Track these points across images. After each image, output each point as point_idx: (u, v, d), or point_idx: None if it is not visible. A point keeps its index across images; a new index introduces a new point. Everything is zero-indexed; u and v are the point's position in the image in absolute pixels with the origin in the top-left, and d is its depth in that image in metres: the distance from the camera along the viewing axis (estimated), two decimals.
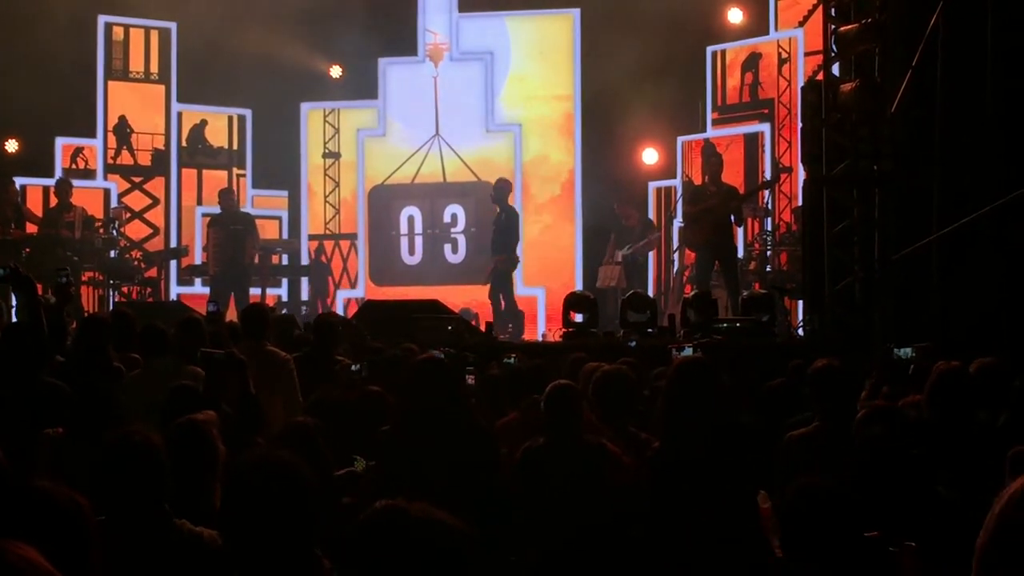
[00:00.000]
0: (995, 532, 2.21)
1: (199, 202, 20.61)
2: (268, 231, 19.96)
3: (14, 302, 13.63)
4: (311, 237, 21.42)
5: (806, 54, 18.23)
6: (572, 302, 13.86)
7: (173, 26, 20.48)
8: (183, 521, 4.27)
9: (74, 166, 19.81)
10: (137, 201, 20.24)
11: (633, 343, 12.76)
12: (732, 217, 16.17)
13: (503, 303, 17.15)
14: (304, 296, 20.77)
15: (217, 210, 18.37)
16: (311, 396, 7.83)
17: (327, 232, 21.45)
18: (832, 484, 3.89)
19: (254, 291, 17.80)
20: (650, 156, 19.95)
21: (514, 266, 17.86)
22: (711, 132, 19.52)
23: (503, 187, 18.21)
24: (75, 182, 17.93)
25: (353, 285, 21.15)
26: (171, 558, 4.10)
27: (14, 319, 10.01)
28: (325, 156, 21.52)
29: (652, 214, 19.77)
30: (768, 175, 18.30)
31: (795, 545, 3.84)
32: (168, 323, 8.45)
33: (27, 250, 16.01)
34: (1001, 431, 6.18)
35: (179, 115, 20.73)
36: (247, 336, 8.73)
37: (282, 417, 7.27)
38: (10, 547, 2.17)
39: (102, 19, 20.15)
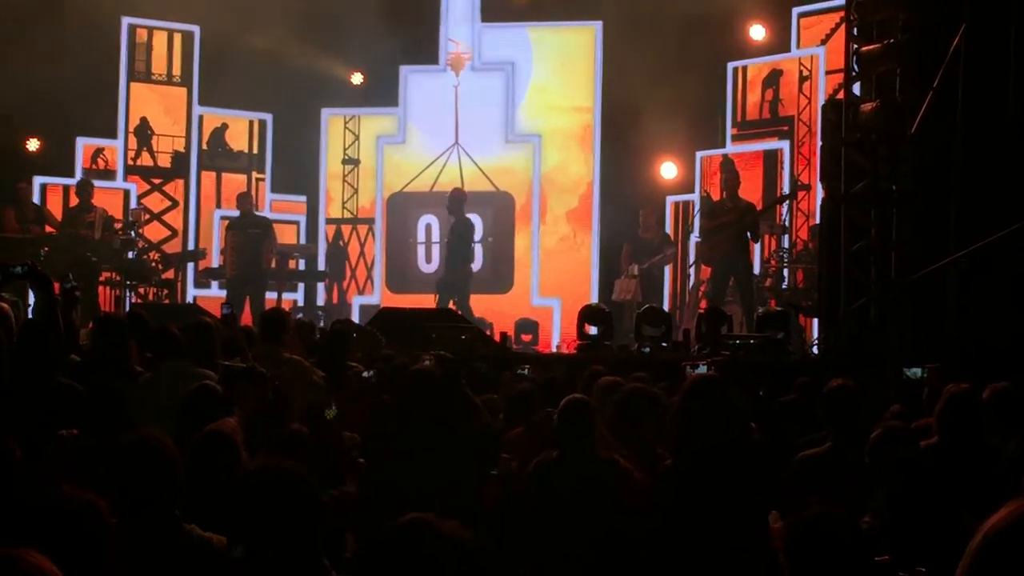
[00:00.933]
0: (971, 566, 2.22)
1: (218, 205, 20.66)
2: (286, 236, 19.99)
3: (31, 300, 13.74)
4: (329, 221, 21.48)
5: (827, 72, 18.21)
6: (587, 315, 13.87)
7: (196, 29, 20.55)
8: (192, 526, 4.28)
9: (94, 166, 19.88)
10: (156, 203, 20.29)
11: (647, 349, 12.79)
12: (749, 233, 16.17)
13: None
14: (320, 301, 20.80)
15: (235, 213, 18.42)
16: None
17: (345, 216, 21.51)
18: (839, 513, 3.86)
19: (270, 295, 17.83)
20: (669, 170, 19.95)
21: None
22: (730, 148, 19.50)
23: (460, 198, 18.21)
24: (95, 183, 18.01)
25: (369, 270, 21.19)
26: (179, 562, 4.12)
27: (30, 317, 10.03)
28: (344, 162, 21.55)
29: (669, 228, 19.76)
30: (786, 192, 18.29)
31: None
32: (180, 326, 8.46)
33: (46, 249, 16.08)
34: (1011, 456, 6.17)
35: (200, 118, 20.79)
36: (264, 341, 8.75)
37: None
38: (23, 555, 2.19)
39: (125, 21, 20.21)
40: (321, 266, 20.78)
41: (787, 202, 17.92)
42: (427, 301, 17.43)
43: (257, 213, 18.78)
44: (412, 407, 5.84)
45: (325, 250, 21.28)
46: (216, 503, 4.43)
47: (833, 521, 3.82)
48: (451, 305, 16.99)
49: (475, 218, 20.64)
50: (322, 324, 16.31)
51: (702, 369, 9.04)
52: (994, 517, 2.20)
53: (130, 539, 3.98)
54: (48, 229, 17.10)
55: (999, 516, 2.20)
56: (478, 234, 19.46)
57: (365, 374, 8.31)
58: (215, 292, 19.30)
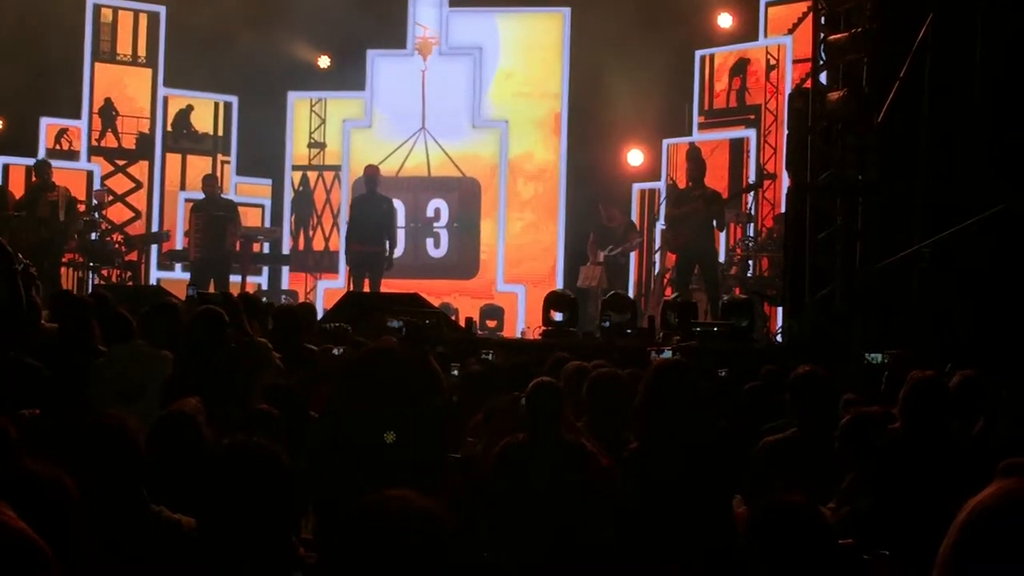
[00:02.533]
0: (957, 542, 2.23)
1: (182, 187, 20.56)
2: (250, 219, 19.91)
3: None
4: (295, 168, 21.46)
5: (794, 61, 18.25)
6: (552, 301, 13.87)
7: (162, 10, 20.43)
8: (160, 508, 4.25)
9: (58, 147, 19.75)
10: (120, 184, 20.17)
11: (607, 323, 12.80)
12: (714, 221, 16.20)
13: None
14: (285, 285, 20.74)
15: (200, 195, 18.31)
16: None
17: (311, 164, 21.46)
18: (798, 501, 3.86)
19: (235, 279, 17.75)
20: (635, 157, 19.95)
21: None
22: (697, 136, 19.53)
23: (375, 174, 18.08)
24: (59, 163, 17.88)
25: (335, 216, 21.15)
26: (147, 544, 4.08)
27: None
28: (310, 146, 21.48)
29: (635, 216, 19.78)
30: (752, 180, 18.33)
31: (761, 565, 3.81)
32: (143, 307, 8.40)
33: (6, 234, 15.95)
34: (976, 440, 6.21)
35: (165, 99, 20.68)
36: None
37: None
38: None
39: (90, 0, 20.07)
40: (286, 249, 20.72)
41: (753, 191, 17.95)
42: (392, 286, 17.38)
43: (223, 196, 18.67)
44: (373, 380, 5.79)
45: (290, 230, 21.30)
46: (179, 483, 4.41)
47: (792, 509, 3.81)
48: (366, 284, 17.02)
49: (441, 203, 20.65)
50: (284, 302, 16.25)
51: (667, 355, 9.06)
52: (980, 495, 2.21)
53: (97, 522, 3.95)
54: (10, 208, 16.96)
55: (985, 494, 2.21)
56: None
57: (335, 351, 8.27)
58: (179, 275, 19.21)
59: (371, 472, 5.20)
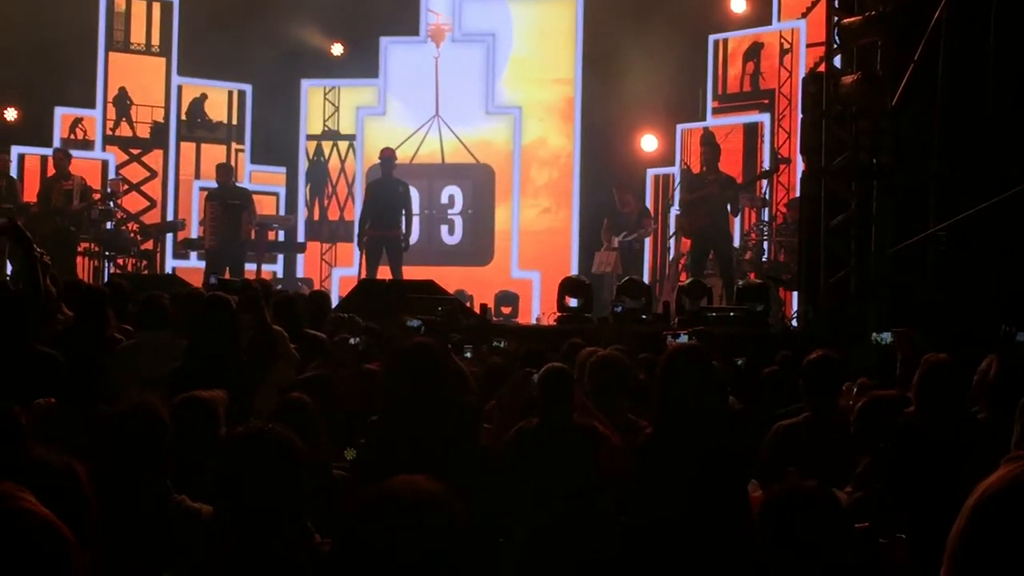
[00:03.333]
0: (967, 524, 2.23)
1: (197, 176, 20.59)
2: (265, 207, 19.91)
3: (9, 269, 13.68)
4: (309, 138, 21.47)
5: (808, 45, 18.19)
6: (567, 287, 13.86)
7: None
8: (182, 496, 4.26)
9: (73, 136, 19.78)
10: (135, 173, 20.20)
11: (619, 308, 12.77)
12: (729, 206, 16.17)
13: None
14: (300, 273, 20.77)
15: (215, 184, 18.29)
16: (305, 371, 7.81)
17: (325, 131, 21.49)
18: (813, 487, 3.86)
19: (249, 267, 17.77)
20: (649, 143, 19.91)
21: None
22: (711, 121, 19.48)
23: (392, 157, 18.05)
24: (73, 152, 17.90)
25: (350, 186, 21.19)
26: (169, 532, 4.10)
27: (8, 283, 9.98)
28: (322, 136, 21.50)
29: (649, 201, 19.75)
30: (767, 165, 18.30)
31: (777, 551, 3.81)
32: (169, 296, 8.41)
33: (21, 220, 15.95)
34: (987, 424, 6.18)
35: (179, 88, 20.69)
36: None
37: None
38: (11, 495, 2.17)
39: None
40: (301, 238, 20.74)
41: (768, 178, 17.91)
42: (406, 272, 17.37)
43: (237, 184, 18.67)
44: (411, 379, 5.81)
45: (305, 200, 21.36)
46: (195, 468, 4.42)
47: (807, 494, 3.81)
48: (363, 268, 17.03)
49: (455, 189, 20.64)
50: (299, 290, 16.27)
51: (683, 339, 9.05)
52: (991, 477, 2.21)
53: (121, 509, 3.96)
54: (26, 198, 17.00)
55: (996, 476, 2.21)
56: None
57: (352, 341, 8.26)
58: (194, 263, 19.24)
59: (413, 467, 5.22)
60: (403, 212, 17.44)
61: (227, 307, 6.81)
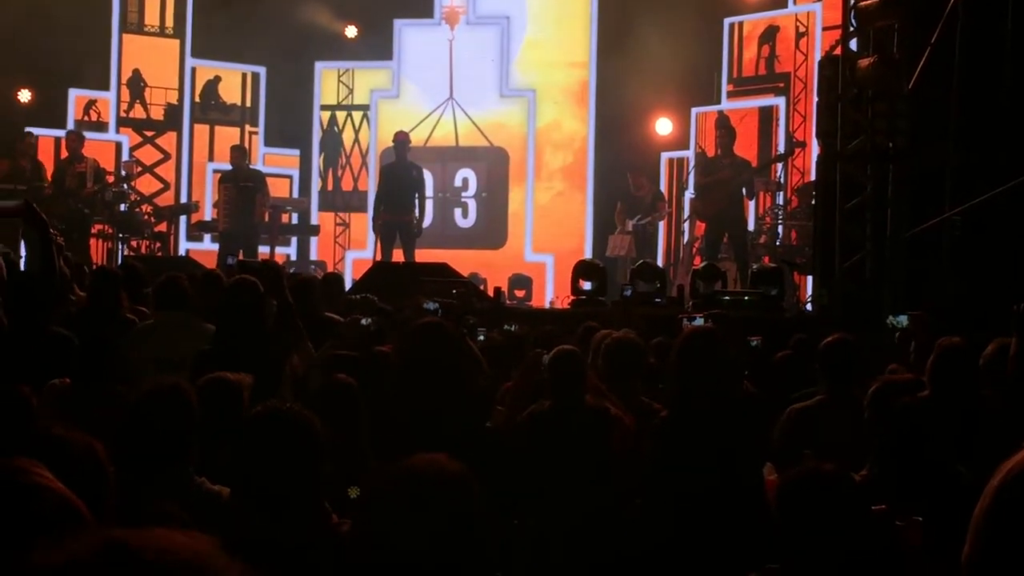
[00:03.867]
0: (992, 504, 2.21)
1: (211, 158, 20.58)
2: (279, 189, 19.93)
3: (23, 251, 13.71)
4: (323, 108, 21.47)
5: (824, 28, 18.13)
6: (581, 270, 13.86)
7: None
8: (202, 479, 4.26)
9: (87, 118, 19.78)
10: (148, 155, 20.21)
11: (628, 292, 12.74)
12: (744, 190, 16.14)
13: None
14: (313, 255, 20.77)
15: (228, 167, 18.29)
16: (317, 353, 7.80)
17: (340, 104, 21.52)
18: (830, 469, 3.85)
19: (263, 249, 17.79)
20: (664, 126, 19.86)
21: None
22: (726, 104, 19.43)
23: (406, 140, 18.02)
24: (87, 134, 17.92)
25: (364, 156, 21.21)
26: (189, 514, 4.09)
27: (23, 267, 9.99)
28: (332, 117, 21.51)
29: (664, 185, 19.71)
30: (782, 149, 18.26)
31: (793, 534, 3.80)
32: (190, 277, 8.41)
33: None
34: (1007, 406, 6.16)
35: (193, 70, 20.68)
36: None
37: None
38: (27, 469, 2.16)
39: None
40: (314, 220, 20.75)
41: (783, 161, 17.87)
42: (420, 255, 17.37)
43: (251, 167, 18.67)
44: (424, 359, 5.81)
45: (318, 170, 21.40)
46: (217, 451, 4.41)
47: (824, 477, 3.80)
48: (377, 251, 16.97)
49: (469, 172, 20.63)
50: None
51: (698, 322, 9.03)
52: (1014, 458, 2.19)
53: (141, 492, 3.95)
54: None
55: (1019, 457, 2.19)
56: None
57: (364, 322, 8.25)
58: (207, 245, 19.27)
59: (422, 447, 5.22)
60: (416, 196, 17.42)
61: (254, 289, 6.82)
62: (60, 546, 1.41)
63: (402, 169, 17.49)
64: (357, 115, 21.40)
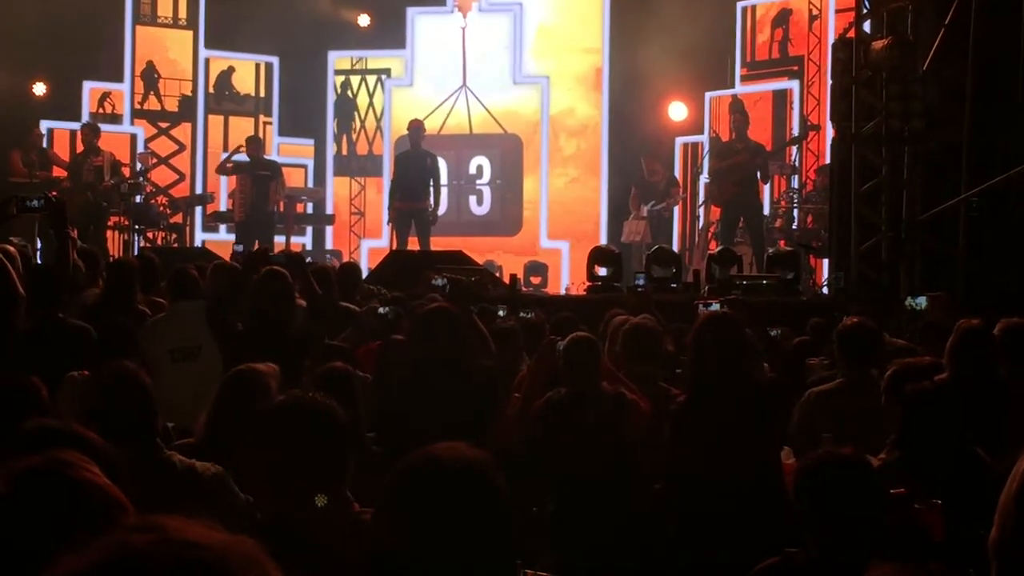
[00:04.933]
0: (1020, 488, 2.21)
1: (225, 149, 20.52)
2: (294, 179, 19.94)
3: (39, 245, 13.75)
4: (337, 72, 21.46)
5: (837, 11, 18.06)
6: (597, 256, 13.84)
7: None
8: (172, 452, 4.35)
9: (101, 110, 19.82)
10: (163, 147, 20.25)
11: (641, 282, 12.70)
12: (758, 174, 16.11)
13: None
14: (329, 245, 20.79)
15: (244, 157, 18.28)
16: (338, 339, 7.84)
17: (354, 68, 21.54)
18: (848, 453, 3.84)
19: (279, 239, 17.81)
20: (678, 111, 19.81)
21: None
22: (740, 88, 19.38)
23: (420, 128, 17.95)
24: (102, 127, 17.95)
25: (378, 120, 21.29)
26: (162, 487, 4.12)
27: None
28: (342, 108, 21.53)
29: (678, 170, 19.69)
30: (796, 132, 18.22)
31: (813, 517, 3.81)
32: (199, 268, 8.46)
33: (53, 193, 16.00)
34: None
35: (206, 61, 20.70)
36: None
37: None
38: (71, 462, 2.17)
39: None
40: (329, 209, 20.76)
41: (797, 144, 17.84)
42: (435, 243, 17.37)
43: (266, 157, 18.66)
44: (429, 343, 5.84)
45: (333, 134, 21.44)
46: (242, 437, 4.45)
47: (843, 461, 3.80)
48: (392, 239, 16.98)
49: (483, 160, 20.61)
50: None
51: (715, 307, 9.02)
52: None
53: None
54: (56, 172, 17.08)
55: None
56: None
57: (381, 310, 8.27)
58: (223, 236, 19.29)
59: (431, 431, 5.25)
60: (432, 184, 17.40)
61: (284, 279, 6.90)
62: (87, 548, 1.42)
63: (416, 157, 17.47)
64: (372, 79, 21.38)
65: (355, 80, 21.43)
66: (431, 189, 17.38)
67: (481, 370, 6.05)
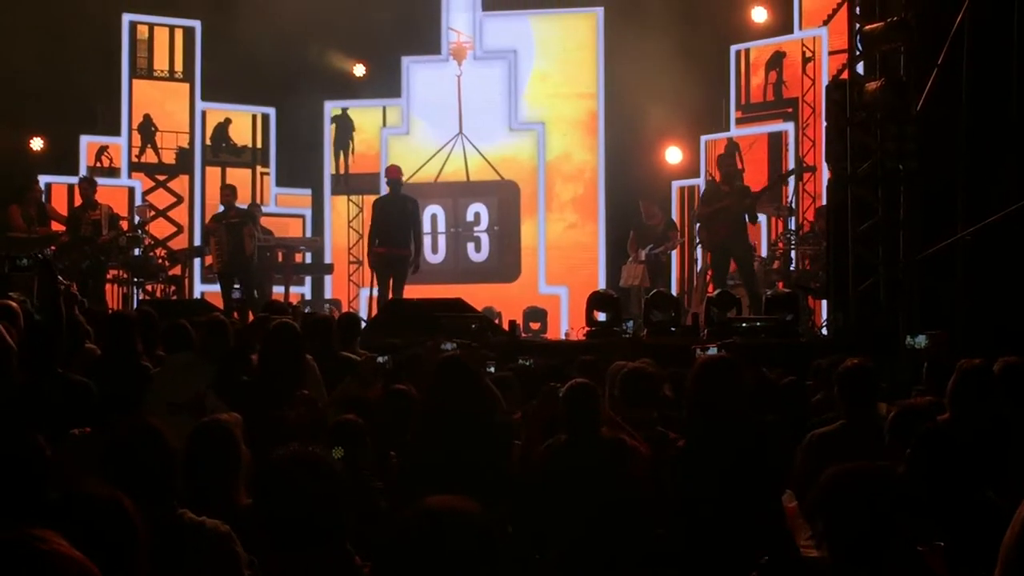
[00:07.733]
0: (1021, 532, 2.21)
1: (222, 200, 20.60)
2: (292, 229, 20.00)
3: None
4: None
5: (830, 53, 18.16)
6: (595, 301, 13.83)
7: (197, 24, 20.56)
8: (184, 510, 4.34)
9: (99, 164, 19.88)
10: (161, 199, 20.29)
11: (629, 325, 12.69)
12: (746, 215, 16.11)
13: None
14: (328, 294, 20.78)
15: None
16: (335, 391, 7.85)
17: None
18: (875, 467, 3.85)
19: (278, 289, 17.77)
20: (674, 155, 19.90)
21: None
22: (735, 131, 19.48)
23: (398, 175, 17.33)
24: (100, 180, 17.95)
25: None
26: (172, 544, 4.12)
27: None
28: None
29: (675, 213, 19.73)
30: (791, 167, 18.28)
31: (835, 531, 3.79)
32: (193, 323, 8.48)
33: (52, 248, 16.03)
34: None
35: (203, 113, 20.79)
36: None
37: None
38: (41, 537, 2.16)
39: (126, 17, 20.23)
40: (328, 259, 20.76)
41: (792, 180, 17.88)
42: (434, 291, 17.34)
43: (237, 204, 18.19)
44: (445, 396, 5.86)
45: (330, 151, 21.51)
46: (214, 489, 4.47)
47: (869, 474, 3.80)
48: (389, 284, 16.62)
49: (480, 207, 20.64)
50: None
51: (712, 351, 9.03)
52: None
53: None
54: (54, 226, 17.08)
55: None
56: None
57: (380, 359, 8.31)
58: None
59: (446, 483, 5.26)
60: (411, 230, 16.61)
61: (293, 331, 7.00)
62: None
63: (396, 201, 16.77)
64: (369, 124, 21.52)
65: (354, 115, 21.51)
66: (412, 235, 16.90)
67: (500, 424, 6.11)
